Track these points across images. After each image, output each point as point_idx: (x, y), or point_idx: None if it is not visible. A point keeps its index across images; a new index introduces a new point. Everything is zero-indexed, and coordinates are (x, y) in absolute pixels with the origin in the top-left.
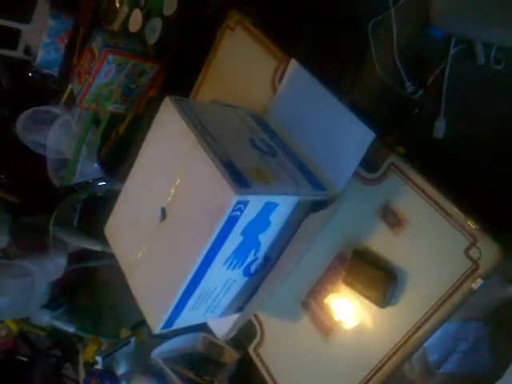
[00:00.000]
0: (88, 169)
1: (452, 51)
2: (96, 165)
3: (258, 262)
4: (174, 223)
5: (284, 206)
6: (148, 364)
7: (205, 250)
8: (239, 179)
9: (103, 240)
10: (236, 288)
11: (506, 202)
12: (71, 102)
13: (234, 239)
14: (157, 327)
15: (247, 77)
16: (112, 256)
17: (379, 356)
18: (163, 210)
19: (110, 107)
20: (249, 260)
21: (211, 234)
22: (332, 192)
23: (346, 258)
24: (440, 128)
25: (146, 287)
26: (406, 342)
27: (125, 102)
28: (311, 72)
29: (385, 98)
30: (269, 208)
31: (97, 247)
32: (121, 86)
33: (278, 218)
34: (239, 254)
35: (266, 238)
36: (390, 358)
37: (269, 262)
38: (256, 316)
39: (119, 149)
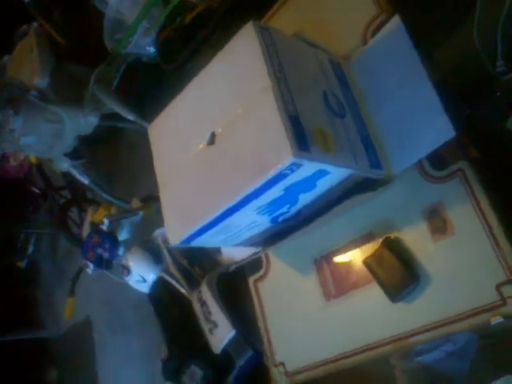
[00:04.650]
0: (143, 44)
1: None
2: (152, 47)
3: (289, 214)
4: (221, 154)
5: (335, 175)
6: (148, 239)
7: (244, 194)
8: (301, 140)
9: (137, 111)
10: (258, 229)
11: None
12: None
13: (275, 192)
14: (175, 241)
15: (339, 14)
16: (141, 125)
17: (368, 340)
18: (213, 135)
19: None
20: (280, 211)
21: (255, 183)
22: (388, 173)
23: (375, 240)
24: None
25: (176, 202)
26: (401, 340)
27: None
28: (413, 37)
29: (470, 67)
30: (320, 174)
31: (130, 116)
32: None
33: (324, 184)
34: (274, 205)
35: (306, 198)
36: (376, 347)
37: (299, 216)
38: (266, 254)
39: (180, 38)
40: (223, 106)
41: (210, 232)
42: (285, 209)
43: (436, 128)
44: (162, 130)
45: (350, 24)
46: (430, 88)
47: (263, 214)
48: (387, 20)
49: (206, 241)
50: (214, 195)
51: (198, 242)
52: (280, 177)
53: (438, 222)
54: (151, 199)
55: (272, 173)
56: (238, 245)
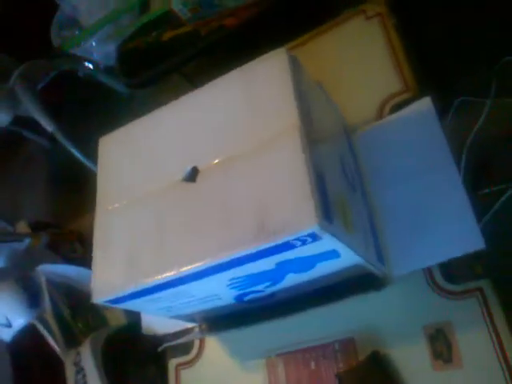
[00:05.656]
0: (100, 50)
1: None
2: (113, 54)
3: (261, 295)
4: (203, 197)
5: (343, 260)
6: (28, 274)
7: (224, 259)
8: (326, 207)
9: (57, 124)
10: (212, 304)
11: None
12: None
13: (265, 265)
14: (100, 299)
15: (360, 79)
16: (52, 139)
17: None
18: (195, 171)
19: (175, 4)
20: (253, 289)
21: (248, 248)
22: (388, 272)
23: (356, 350)
24: None
25: (116, 245)
26: None
27: (194, 10)
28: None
29: None
30: (328, 255)
31: (49, 127)
32: None
33: (323, 268)
34: (253, 279)
35: (292, 280)
36: None
37: (270, 299)
38: (202, 338)
39: (150, 54)
40: (225, 135)
41: (150, 297)
42: (261, 287)
43: (460, 234)
44: (122, 145)
45: (368, 93)
46: (459, 185)
47: (232, 288)
48: (410, 100)
49: (140, 305)
50: (182, 248)
51: (128, 306)
52: (285, 247)
53: (442, 346)
54: (42, 226)
55: (277, 240)
56: (173, 317)
